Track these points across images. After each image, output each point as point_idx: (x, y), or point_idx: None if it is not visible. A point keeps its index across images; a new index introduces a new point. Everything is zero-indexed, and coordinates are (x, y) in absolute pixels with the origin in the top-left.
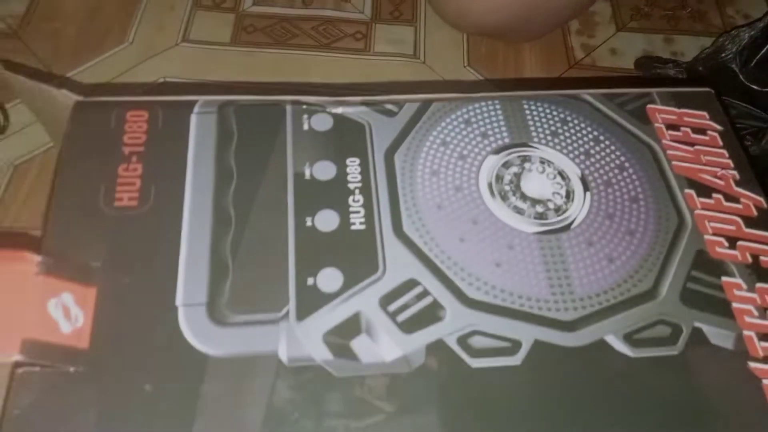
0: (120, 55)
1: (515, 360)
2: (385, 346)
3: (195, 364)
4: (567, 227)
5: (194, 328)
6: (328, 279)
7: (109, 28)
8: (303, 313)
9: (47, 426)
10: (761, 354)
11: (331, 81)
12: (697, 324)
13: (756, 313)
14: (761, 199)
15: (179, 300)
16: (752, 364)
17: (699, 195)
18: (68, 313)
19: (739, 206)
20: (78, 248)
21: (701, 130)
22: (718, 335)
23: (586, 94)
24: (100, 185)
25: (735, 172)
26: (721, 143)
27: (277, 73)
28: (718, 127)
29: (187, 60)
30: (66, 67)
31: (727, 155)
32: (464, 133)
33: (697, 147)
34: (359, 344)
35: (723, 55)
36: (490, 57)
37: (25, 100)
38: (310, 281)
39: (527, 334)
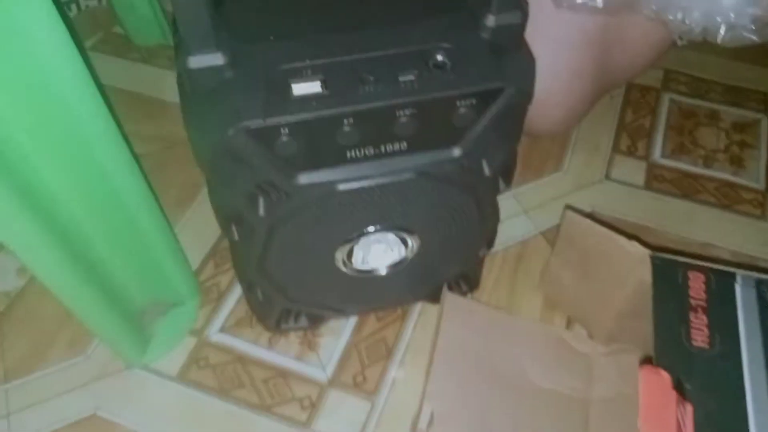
0: (556, 181)
1: None
2: None
3: None
4: None
5: None
6: None
7: (548, 156)
8: None
9: None
10: None
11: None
12: None
13: None
14: None
15: None
16: None
17: None
18: (679, 423)
19: None
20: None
21: None
22: None
23: None
24: (681, 326)
25: None
26: None
27: (685, 223)
28: None
29: (609, 196)
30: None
31: None
32: None
33: None
34: None
35: None
36: None
37: (582, 242)
38: None
39: None
